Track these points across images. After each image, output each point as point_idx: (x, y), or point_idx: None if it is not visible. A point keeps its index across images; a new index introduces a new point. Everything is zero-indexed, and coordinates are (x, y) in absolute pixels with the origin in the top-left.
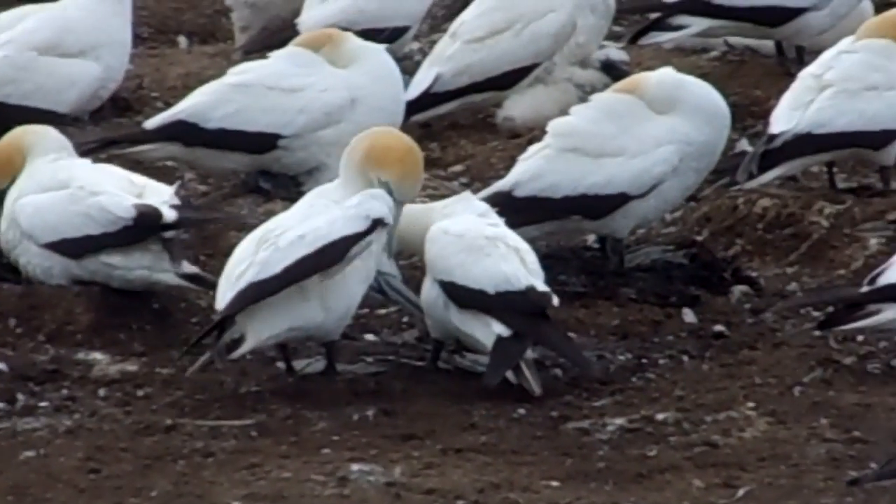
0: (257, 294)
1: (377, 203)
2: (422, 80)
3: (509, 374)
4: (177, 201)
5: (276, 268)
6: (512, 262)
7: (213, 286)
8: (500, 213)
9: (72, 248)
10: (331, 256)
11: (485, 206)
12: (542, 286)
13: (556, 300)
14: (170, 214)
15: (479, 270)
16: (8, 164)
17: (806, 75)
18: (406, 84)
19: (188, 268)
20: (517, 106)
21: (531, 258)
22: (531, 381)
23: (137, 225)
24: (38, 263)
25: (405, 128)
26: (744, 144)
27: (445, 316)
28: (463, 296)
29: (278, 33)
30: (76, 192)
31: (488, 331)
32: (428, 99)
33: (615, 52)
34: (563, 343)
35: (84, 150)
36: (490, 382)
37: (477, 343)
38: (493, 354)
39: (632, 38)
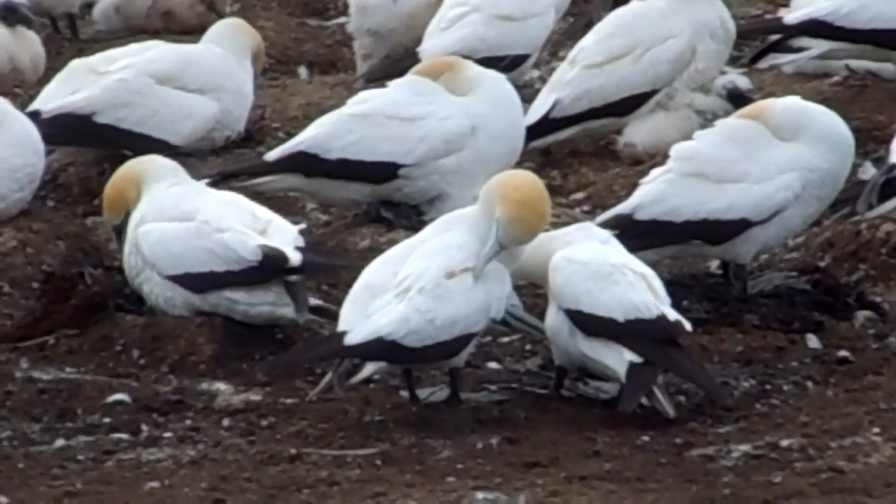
0: (388, 357)
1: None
2: (540, 106)
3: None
4: (302, 243)
5: (412, 338)
6: (640, 290)
7: (336, 317)
8: (621, 237)
9: (194, 282)
10: (456, 348)
11: (606, 234)
12: (673, 314)
13: (688, 327)
14: (295, 258)
15: (607, 298)
16: (121, 198)
17: None
18: (526, 112)
19: (311, 301)
20: (638, 132)
21: (658, 284)
22: (665, 405)
23: (262, 267)
24: (161, 293)
25: (525, 154)
26: (868, 169)
27: (571, 343)
28: (591, 324)
29: (399, 62)
30: (201, 227)
31: (619, 358)
32: (547, 124)
33: (740, 80)
34: (696, 371)
35: (207, 184)
36: (626, 408)
37: (606, 370)
38: (628, 381)
39: (751, 60)
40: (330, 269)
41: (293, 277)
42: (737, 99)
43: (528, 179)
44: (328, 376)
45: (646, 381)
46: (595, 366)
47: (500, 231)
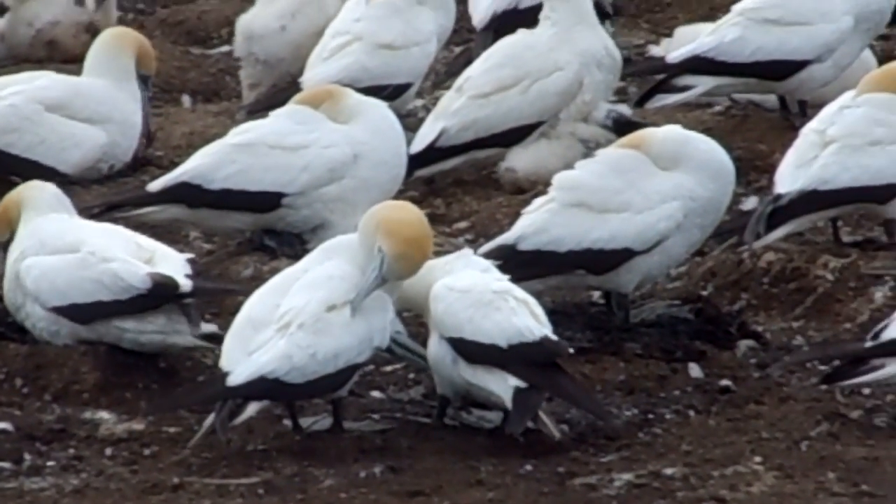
0: (272, 395)
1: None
2: (426, 134)
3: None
4: (189, 270)
5: (294, 374)
6: (523, 315)
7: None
8: (504, 267)
9: (81, 313)
10: (339, 381)
11: (486, 263)
12: (554, 337)
13: (570, 349)
14: (185, 284)
15: (489, 325)
16: (5, 217)
17: (808, 131)
18: (409, 140)
19: (205, 327)
20: (520, 158)
21: (540, 311)
22: (550, 426)
23: (152, 294)
24: (45, 326)
25: (409, 183)
26: (750, 199)
27: (454, 372)
28: (474, 351)
29: (281, 92)
30: (87, 258)
31: (504, 384)
32: (432, 153)
33: (623, 108)
34: (581, 394)
35: (89, 215)
36: (514, 430)
37: (491, 396)
38: (514, 405)
39: (637, 102)
40: (220, 293)
41: (186, 301)
42: (623, 126)
43: (412, 214)
44: (210, 418)
45: (532, 405)
46: (479, 393)
47: (385, 266)
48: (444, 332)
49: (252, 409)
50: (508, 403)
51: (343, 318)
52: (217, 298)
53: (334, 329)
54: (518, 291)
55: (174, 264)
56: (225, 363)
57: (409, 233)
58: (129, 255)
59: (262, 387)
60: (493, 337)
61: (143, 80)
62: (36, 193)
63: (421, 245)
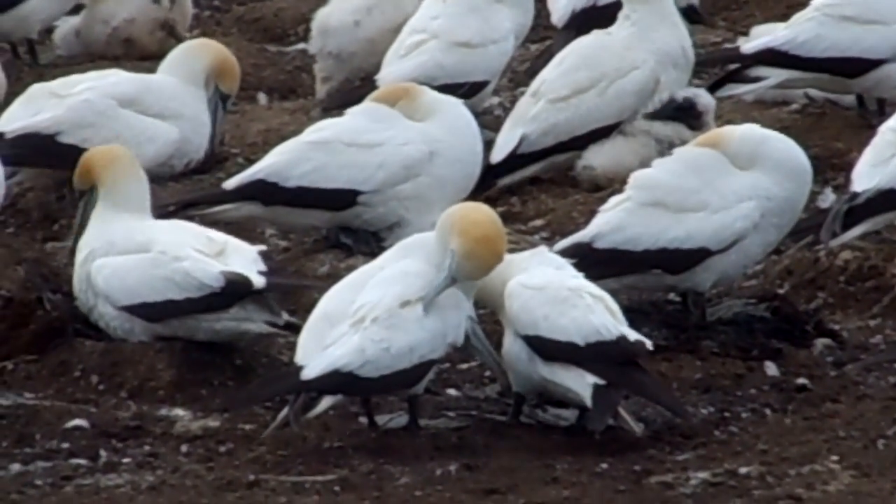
0: (345, 389)
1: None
2: (507, 142)
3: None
4: (262, 264)
5: (368, 368)
6: (599, 312)
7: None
8: (579, 265)
9: (153, 311)
10: (414, 377)
11: (561, 260)
12: (633, 334)
13: (649, 345)
14: (259, 281)
15: (566, 322)
16: (86, 174)
17: (886, 130)
18: (486, 138)
19: (279, 316)
20: (597, 156)
21: (616, 307)
22: (631, 423)
23: (225, 293)
24: (119, 325)
25: (491, 190)
26: (827, 197)
27: (531, 369)
28: (551, 349)
29: (357, 89)
30: (158, 257)
31: (582, 381)
32: (514, 160)
33: (704, 97)
34: (660, 391)
35: (165, 212)
36: (596, 427)
37: (568, 393)
38: (594, 402)
39: (709, 89)
40: (294, 288)
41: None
42: (684, 111)
43: (486, 216)
44: (285, 411)
45: (613, 402)
46: (556, 390)
47: (454, 265)
48: (520, 329)
49: (326, 403)
50: (587, 401)
51: (417, 314)
52: (291, 293)
53: (408, 324)
54: (593, 288)
55: (246, 259)
56: (300, 357)
57: (479, 232)
58: (201, 249)
59: (336, 380)
60: (569, 334)
61: (223, 99)
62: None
63: (491, 245)
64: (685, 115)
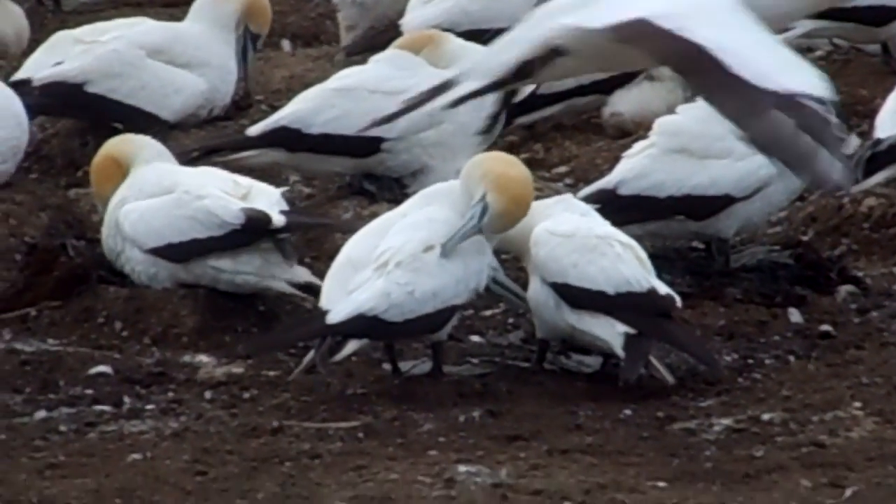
0: (371, 333)
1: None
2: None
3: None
4: (284, 205)
5: (393, 312)
6: (629, 262)
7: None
8: (603, 211)
9: (177, 252)
10: (438, 321)
11: (586, 207)
12: (663, 288)
13: (678, 302)
14: (279, 219)
15: (595, 271)
16: (113, 175)
17: None
18: None
19: (300, 275)
20: (624, 102)
21: (644, 255)
22: (663, 372)
23: (246, 229)
24: (144, 270)
25: (509, 130)
26: (851, 143)
27: (558, 316)
28: (579, 297)
29: (381, 35)
30: (182, 197)
31: (611, 330)
32: (534, 100)
33: None
34: (691, 341)
35: (188, 159)
36: (629, 377)
37: (596, 341)
38: (626, 351)
39: None
40: (314, 227)
41: (280, 236)
42: None
43: (521, 172)
44: (310, 354)
45: (644, 351)
46: (583, 338)
47: (486, 219)
48: (547, 276)
49: (351, 347)
50: (618, 349)
51: (440, 259)
52: (314, 240)
53: (432, 268)
54: (622, 236)
55: (269, 199)
56: (324, 302)
57: (518, 191)
58: (226, 192)
59: (361, 324)
60: (599, 283)
61: (253, 38)
62: (137, 148)
63: (526, 203)
64: None
